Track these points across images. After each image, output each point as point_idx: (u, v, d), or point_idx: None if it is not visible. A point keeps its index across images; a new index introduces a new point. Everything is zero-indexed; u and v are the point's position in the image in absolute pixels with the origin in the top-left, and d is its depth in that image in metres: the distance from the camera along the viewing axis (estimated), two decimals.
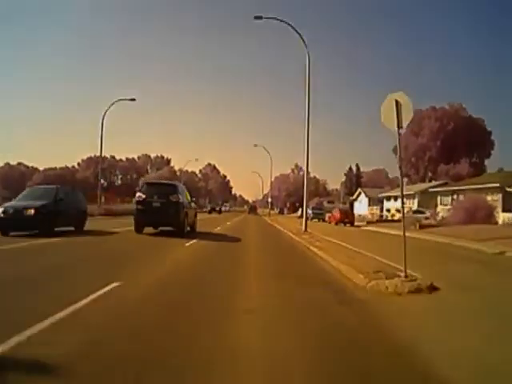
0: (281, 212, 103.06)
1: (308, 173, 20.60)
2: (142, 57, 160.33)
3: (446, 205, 40.69)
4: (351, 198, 73.85)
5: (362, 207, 65.72)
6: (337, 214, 35.08)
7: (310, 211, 49.39)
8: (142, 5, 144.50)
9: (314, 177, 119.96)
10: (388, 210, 49.79)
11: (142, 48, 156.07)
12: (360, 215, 64.13)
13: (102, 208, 35.29)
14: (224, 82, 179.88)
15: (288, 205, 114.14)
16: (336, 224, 34.34)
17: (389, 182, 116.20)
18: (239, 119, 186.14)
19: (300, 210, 65.31)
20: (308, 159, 20.47)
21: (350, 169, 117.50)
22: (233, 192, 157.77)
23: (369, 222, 38.88)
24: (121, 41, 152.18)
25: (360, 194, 68.26)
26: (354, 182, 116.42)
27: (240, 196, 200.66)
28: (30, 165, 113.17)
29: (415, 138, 62.91)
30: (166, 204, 13.66)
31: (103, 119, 36.02)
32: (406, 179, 67.21)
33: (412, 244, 16.93)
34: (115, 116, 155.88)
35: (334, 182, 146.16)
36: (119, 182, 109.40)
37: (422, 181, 64.80)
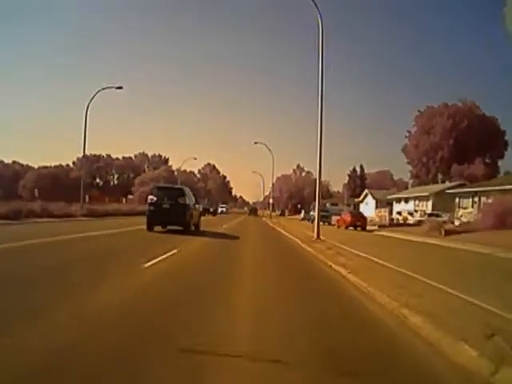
0: (282, 214, 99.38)
1: (320, 172, 16.81)
2: (141, 55, 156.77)
3: (465, 208, 36.91)
4: (357, 199, 70.11)
5: (368, 209, 61.92)
6: (347, 217, 31.35)
7: (314, 213, 45.67)
8: (141, 3, 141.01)
9: None
10: (399, 213, 46.02)
11: (142, 46, 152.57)
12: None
13: (85, 208, 31.67)
14: (224, 81, 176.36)
15: (289, 207, 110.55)
16: (346, 228, 30.62)
17: (394, 184, 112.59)
18: (239, 119, 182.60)
19: (303, 212, 61.65)
20: (321, 154, 16.75)
21: (354, 170, 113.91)
22: (233, 193, 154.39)
23: (381, 226, 35.13)
24: (120, 39, 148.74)
25: (367, 195, 64.53)
26: (358, 183, 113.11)
27: (241, 197, 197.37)
28: (25, 163, 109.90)
29: (427, 136, 59.18)
30: (175, 206, 15.12)
31: (87, 110, 32.33)
32: (415, 180, 63.52)
33: (456, 257, 13.40)
34: (114, 114, 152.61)
35: (336, 184, 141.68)
36: (115, 181, 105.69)
37: (433, 182, 61.14)
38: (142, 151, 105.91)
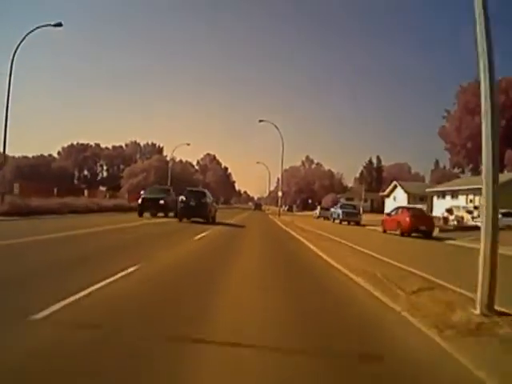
0: (290, 210, 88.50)
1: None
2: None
3: None
4: (382, 193, 58.98)
5: (397, 205, 51.04)
6: (404, 216, 20.26)
7: (338, 210, 34.89)
8: None
9: (329, 170, 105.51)
10: (449, 211, 35.00)
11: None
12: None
13: (7, 203, 20.96)
14: (225, 70, 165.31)
15: (298, 202, 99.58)
16: (402, 235, 19.71)
17: (412, 178, 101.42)
18: (242, 108, 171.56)
19: (318, 208, 50.72)
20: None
21: (370, 162, 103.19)
22: (237, 188, 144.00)
23: (443, 231, 24.18)
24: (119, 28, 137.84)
25: (395, 188, 53.46)
26: (375, 176, 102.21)
27: (245, 192, 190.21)
28: (11, 155, 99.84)
29: (471, 117, 48.00)
30: (199, 204, 19.83)
31: (13, 59, 21.67)
32: (456, 170, 52.51)
33: None
34: (110, 107, 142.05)
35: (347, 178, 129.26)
36: (104, 173, 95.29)
37: (474, 173, 50.17)
38: (133, 140, 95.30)
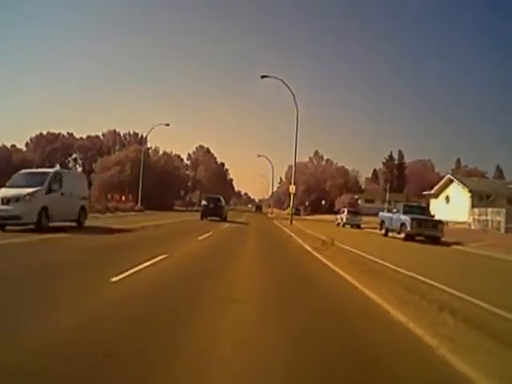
0: (297, 213, 73.52)
1: None
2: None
3: None
4: (428, 191, 44.03)
5: (452, 209, 36.43)
6: None
7: (401, 216, 20.02)
8: None
9: (342, 167, 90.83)
10: None
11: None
12: (447, 223, 35.06)
13: None
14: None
15: (307, 203, 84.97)
16: None
17: (436, 177, 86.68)
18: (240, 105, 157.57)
19: (345, 211, 36.00)
20: None
21: (391, 157, 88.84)
22: (237, 189, 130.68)
23: None
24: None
25: (449, 184, 38.67)
26: (396, 174, 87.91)
27: (245, 194, 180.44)
28: None
29: None
30: (216, 206, 27.84)
31: None
32: None
33: None
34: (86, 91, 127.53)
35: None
36: (79, 167, 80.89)
37: None
38: (112, 128, 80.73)
